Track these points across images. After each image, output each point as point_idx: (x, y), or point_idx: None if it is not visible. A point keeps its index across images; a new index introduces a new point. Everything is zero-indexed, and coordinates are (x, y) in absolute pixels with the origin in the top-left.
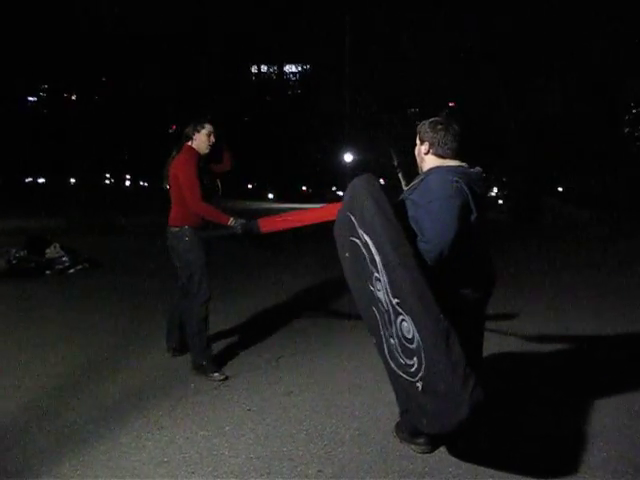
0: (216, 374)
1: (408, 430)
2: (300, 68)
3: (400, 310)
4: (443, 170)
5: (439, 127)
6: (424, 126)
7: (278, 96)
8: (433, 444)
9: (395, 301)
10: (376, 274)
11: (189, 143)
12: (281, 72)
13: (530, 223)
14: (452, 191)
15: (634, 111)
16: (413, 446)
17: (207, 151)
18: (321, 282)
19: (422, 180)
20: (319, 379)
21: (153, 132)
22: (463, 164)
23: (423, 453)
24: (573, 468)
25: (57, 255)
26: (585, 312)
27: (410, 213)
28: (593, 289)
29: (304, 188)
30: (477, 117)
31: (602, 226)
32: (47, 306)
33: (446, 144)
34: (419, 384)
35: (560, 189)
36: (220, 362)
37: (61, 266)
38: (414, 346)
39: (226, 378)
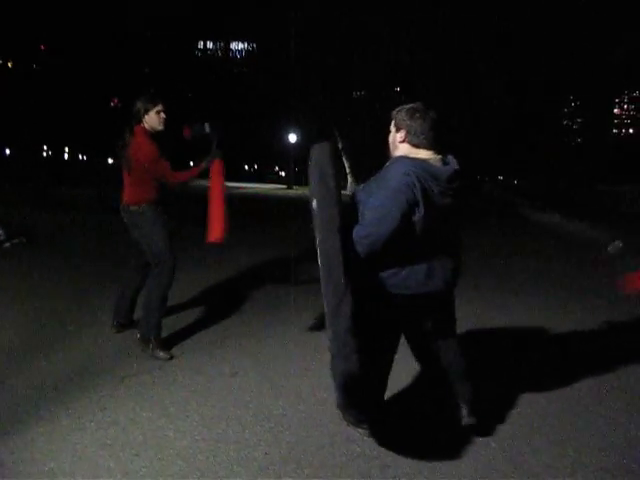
0: (161, 353)
1: (354, 414)
2: (247, 46)
3: (322, 274)
4: (405, 162)
5: (417, 115)
6: (401, 113)
7: (223, 74)
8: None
9: (320, 266)
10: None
11: (141, 124)
12: (227, 49)
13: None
14: (402, 185)
15: (573, 104)
16: (360, 430)
17: (161, 128)
18: (271, 263)
19: (385, 168)
20: (265, 360)
21: (93, 105)
22: (432, 157)
23: (369, 437)
24: (519, 452)
25: None
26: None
27: (363, 198)
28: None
29: (246, 167)
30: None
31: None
32: None
33: (422, 133)
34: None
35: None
36: (164, 341)
37: None
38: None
39: (171, 358)
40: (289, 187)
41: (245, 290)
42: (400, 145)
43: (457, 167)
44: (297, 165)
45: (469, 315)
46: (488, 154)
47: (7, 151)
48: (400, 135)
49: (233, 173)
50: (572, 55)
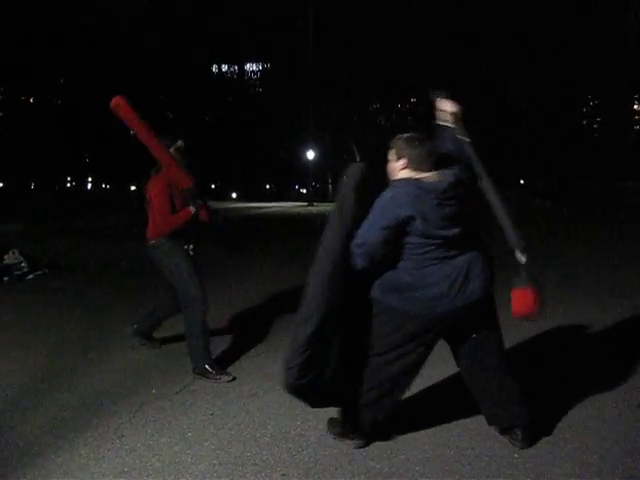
0: (224, 377)
1: (340, 425)
2: (261, 67)
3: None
4: (396, 184)
5: (415, 143)
6: (399, 142)
7: (240, 95)
8: (366, 437)
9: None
10: None
11: None
12: (242, 71)
13: None
14: (388, 202)
15: (591, 103)
16: (348, 441)
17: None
18: (289, 282)
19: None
20: None
21: (113, 133)
22: (430, 175)
23: (358, 448)
24: (541, 462)
25: (16, 261)
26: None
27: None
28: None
29: (267, 187)
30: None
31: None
32: (3, 313)
33: (422, 159)
34: None
35: (522, 182)
36: (185, 364)
37: (19, 272)
38: None
39: (234, 378)
40: (310, 204)
41: (262, 310)
42: (401, 172)
43: (452, 179)
44: (317, 182)
45: None
46: (507, 158)
47: (32, 184)
48: (401, 163)
49: (256, 194)
50: (589, 54)
